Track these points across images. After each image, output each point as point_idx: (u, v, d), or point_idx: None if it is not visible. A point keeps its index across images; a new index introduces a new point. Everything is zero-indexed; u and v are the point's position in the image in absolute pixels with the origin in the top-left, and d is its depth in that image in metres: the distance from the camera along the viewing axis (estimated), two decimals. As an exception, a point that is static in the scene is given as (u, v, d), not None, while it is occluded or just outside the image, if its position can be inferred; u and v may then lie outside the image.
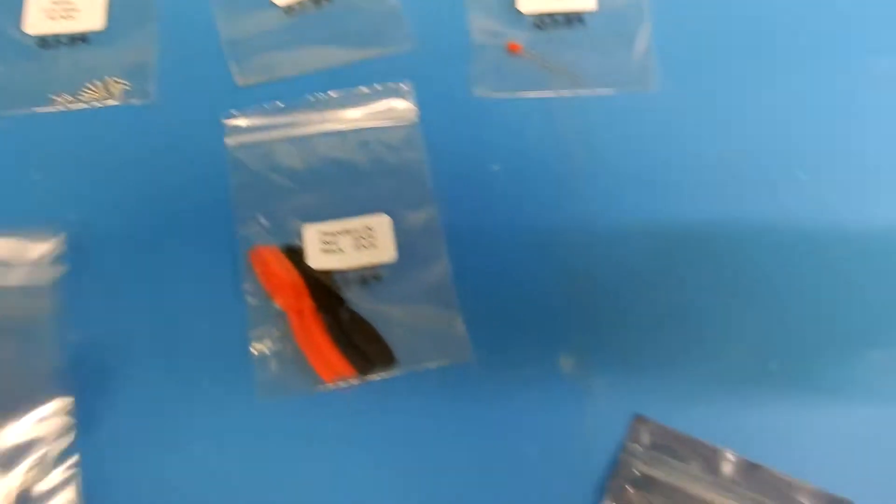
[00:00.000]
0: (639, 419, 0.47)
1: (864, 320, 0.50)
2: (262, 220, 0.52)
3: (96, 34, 0.57)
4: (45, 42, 0.57)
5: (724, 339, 0.50)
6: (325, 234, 0.52)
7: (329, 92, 0.55)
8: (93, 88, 0.55)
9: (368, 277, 0.51)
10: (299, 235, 0.52)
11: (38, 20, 0.57)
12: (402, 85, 0.55)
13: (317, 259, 0.51)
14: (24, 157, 0.53)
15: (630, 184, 0.54)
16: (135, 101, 0.55)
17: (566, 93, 0.56)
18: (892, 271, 0.51)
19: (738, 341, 0.50)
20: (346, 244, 0.52)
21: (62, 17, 0.58)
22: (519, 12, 0.58)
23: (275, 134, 0.54)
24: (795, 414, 0.48)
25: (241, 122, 0.54)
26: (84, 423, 0.45)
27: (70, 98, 0.55)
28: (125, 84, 0.56)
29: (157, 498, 0.45)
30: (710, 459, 0.46)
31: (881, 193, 0.53)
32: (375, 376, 0.48)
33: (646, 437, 0.47)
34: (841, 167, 0.54)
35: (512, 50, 0.57)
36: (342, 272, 0.51)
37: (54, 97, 0.55)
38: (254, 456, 0.47)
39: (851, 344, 0.50)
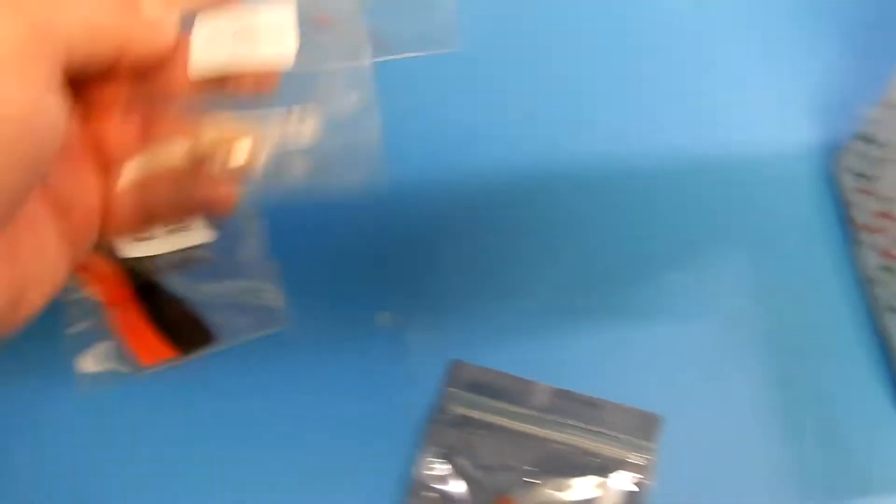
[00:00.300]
0: (455, 363, 0.49)
1: (664, 246, 0.53)
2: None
3: None
4: None
5: (533, 279, 0.52)
6: (138, 222, 0.52)
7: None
8: None
9: (184, 259, 0.52)
10: (113, 227, 0.52)
11: None
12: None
13: (128, 248, 0.51)
14: None
15: (437, 142, 0.55)
16: None
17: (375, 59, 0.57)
18: (684, 198, 0.54)
19: (547, 280, 0.52)
20: (157, 230, 0.52)
21: None
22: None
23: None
24: (604, 340, 0.50)
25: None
26: None
27: None
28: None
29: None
30: (522, 393, 0.48)
31: (672, 126, 0.56)
32: (196, 355, 0.49)
33: (462, 380, 0.49)
34: (637, 104, 0.57)
35: (320, 22, 0.58)
36: (157, 257, 0.52)
37: None
38: (81, 449, 0.47)
39: (652, 270, 0.52)
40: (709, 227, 0.54)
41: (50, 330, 0.49)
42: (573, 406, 0.48)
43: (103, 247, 0.50)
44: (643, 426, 0.48)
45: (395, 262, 0.52)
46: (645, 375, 0.50)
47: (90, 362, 0.49)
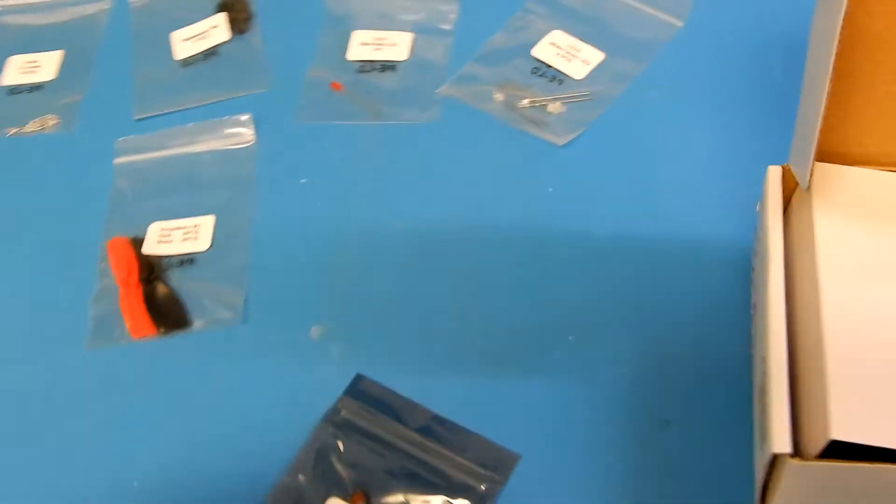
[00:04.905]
0: (358, 377, 0.57)
1: (569, 311, 0.57)
2: (124, 219, 0.68)
3: (49, 83, 0.77)
4: (14, 89, 0.77)
5: (449, 320, 0.58)
6: (164, 229, 0.66)
7: (189, 123, 0.71)
8: (33, 123, 0.74)
9: (185, 261, 0.65)
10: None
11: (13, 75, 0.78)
12: (242, 116, 0.70)
13: (150, 247, 0.65)
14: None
15: (400, 195, 0.65)
16: (60, 132, 0.74)
17: (369, 122, 0.68)
18: (601, 269, 0.59)
19: (462, 323, 0.58)
20: (176, 237, 0.66)
21: (29, 72, 0.78)
22: (347, 60, 0.72)
23: (146, 155, 0.70)
24: (490, 381, 0.55)
25: (126, 146, 0.71)
26: None
27: (19, 129, 0.75)
28: (56, 119, 0.74)
29: None
30: (405, 412, 0.55)
31: (614, 203, 0.61)
32: (172, 334, 0.62)
33: (359, 391, 0.56)
34: (590, 180, 0.63)
35: (334, 88, 0.70)
36: (168, 256, 0.65)
37: (9, 129, 0.75)
38: (77, 392, 0.61)
39: (554, 330, 0.57)
40: (618, 301, 0.58)
41: (81, 295, 0.64)
42: (444, 432, 0.54)
43: (136, 242, 0.65)
44: (499, 461, 0.53)
45: (340, 288, 0.61)
46: (522, 420, 0.54)
47: (99, 327, 0.63)
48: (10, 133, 0.74)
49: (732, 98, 0.64)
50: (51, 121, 0.74)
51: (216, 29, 0.76)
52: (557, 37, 0.70)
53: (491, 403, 0.55)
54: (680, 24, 0.68)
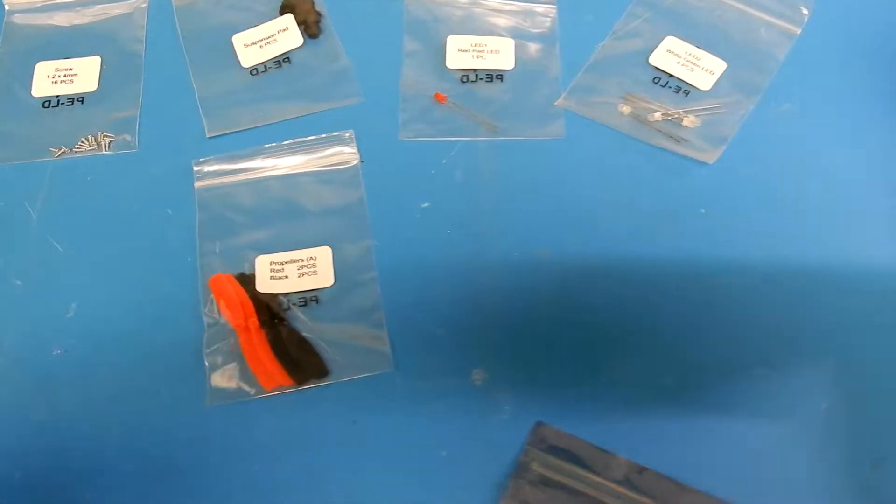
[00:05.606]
0: (539, 425, 0.53)
1: (757, 343, 0.55)
2: (222, 252, 0.60)
3: (91, 95, 0.67)
4: (49, 101, 0.67)
5: (625, 355, 0.55)
6: (274, 263, 0.59)
7: (283, 141, 0.63)
8: (85, 141, 0.64)
9: (309, 299, 0.58)
10: (252, 264, 0.59)
11: (44, 84, 0.67)
12: (345, 133, 0.63)
13: (264, 284, 0.58)
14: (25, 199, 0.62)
15: (538, 220, 0.60)
16: (120, 151, 0.64)
17: (485, 138, 0.63)
18: (783, 299, 0.56)
19: (639, 358, 0.55)
20: (291, 271, 0.59)
21: (64, 81, 0.67)
22: (447, 69, 0.66)
23: (234, 178, 0.62)
24: (686, 424, 0.53)
25: (207, 167, 0.62)
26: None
27: (66, 150, 0.64)
28: (112, 137, 0.64)
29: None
30: (600, 462, 0.51)
31: (777, 231, 0.59)
32: (309, 385, 0.55)
33: (544, 442, 0.52)
34: (744, 208, 0.60)
35: (438, 100, 0.64)
36: (286, 295, 0.58)
37: (53, 150, 0.64)
38: (201, 455, 0.54)
39: (742, 363, 0.54)
40: (803, 330, 0.56)
41: (193, 352, 0.56)
42: (647, 482, 0.51)
43: (246, 279, 0.58)
44: (712, 509, 0.50)
45: (495, 327, 0.56)
46: (722, 463, 0.52)
47: (220, 380, 0.55)
48: (57, 154, 0.64)
49: (864, 109, 0.63)
50: (106, 139, 0.64)
51: (285, 33, 0.68)
52: (673, 44, 0.66)
53: (685, 446, 0.53)
54: (797, 31, 0.66)
